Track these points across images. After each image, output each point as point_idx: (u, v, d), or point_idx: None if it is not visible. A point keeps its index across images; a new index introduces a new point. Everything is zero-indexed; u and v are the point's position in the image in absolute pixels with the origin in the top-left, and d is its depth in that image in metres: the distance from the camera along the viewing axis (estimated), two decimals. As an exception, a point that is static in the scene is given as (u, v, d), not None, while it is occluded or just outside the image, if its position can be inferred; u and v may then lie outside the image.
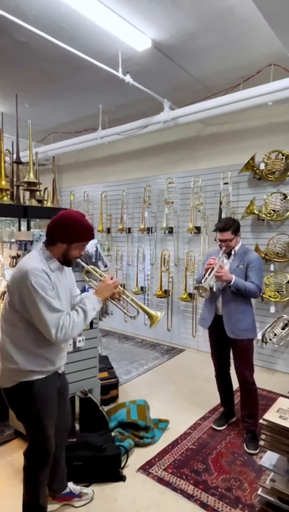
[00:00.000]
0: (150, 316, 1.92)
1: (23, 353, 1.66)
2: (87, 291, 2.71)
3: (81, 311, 1.71)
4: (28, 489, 1.81)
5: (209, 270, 2.50)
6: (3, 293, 2.87)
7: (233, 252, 2.67)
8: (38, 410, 1.70)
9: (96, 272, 1.94)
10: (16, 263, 2.79)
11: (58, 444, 1.93)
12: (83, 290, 2.71)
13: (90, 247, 2.86)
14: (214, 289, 2.60)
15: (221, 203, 4.30)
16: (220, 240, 2.63)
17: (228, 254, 2.68)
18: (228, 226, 2.57)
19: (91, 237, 1.75)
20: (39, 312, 1.58)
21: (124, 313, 1.93)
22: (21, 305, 1.63)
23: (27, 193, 3.20)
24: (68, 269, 1.89)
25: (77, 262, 1.83)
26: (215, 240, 2.78)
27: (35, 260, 1.66)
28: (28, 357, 1.66)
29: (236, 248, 2.68)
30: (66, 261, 1.75)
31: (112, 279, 1.85)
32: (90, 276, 2.00)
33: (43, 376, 1.71)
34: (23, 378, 1.67)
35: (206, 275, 2.50)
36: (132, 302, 1.93)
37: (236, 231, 2.62)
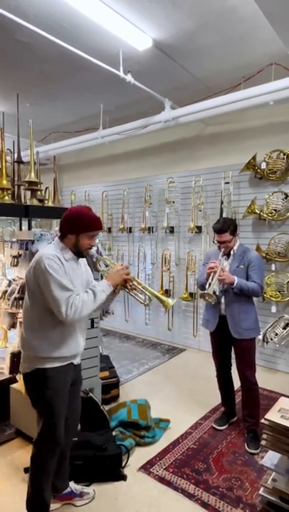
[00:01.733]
0: (162, 302, 1.99)
1: (39, 337, 1.78)
2: None
3: (91, 292, 1.80)
4: (34, 479, 1.84)
5: (212, 275, 2.50)
6: (5, 292, 2.87)
7: (232, 253, 2.67)
8: (50, 397, 1.79)
9: (105, 260, 2.06)
10: (18, 262, 2.80)
11: (66, 440, 1.97)
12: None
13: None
14: (217, 293, 2.58)
15: (222, 203, 4.30)
16: (218, 242, 2.63)
17: (227, 255, 2.68)
18: (226, 227, 2.56)
19: (97, 227, 1.88)
20: (51, 291, 1.69)
21: (138, 300, 1.99)
22: (37, 288, 1.75)
23: (28, 193, 3.20)
24: (84, 263, 2.01)
25: (90, 253, 1.93)
26: (213, 241, 2.77)
27: (51, 249, 1.83)
28: (45, 342, 1.77)
29: (235, 248, 2.67)
30: (78, 252, 1.87)
31: (121, 265, 1.95)
32: (106, 268, 2.09)
33: (58, 365, 1.80)
34: (40, 365, 1.78)
35: (209, 280, 2.50)
36: (144, 289, 1.99)
37: (234, 232, 2.61)
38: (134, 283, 1.97)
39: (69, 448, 2.07)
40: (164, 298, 2.00)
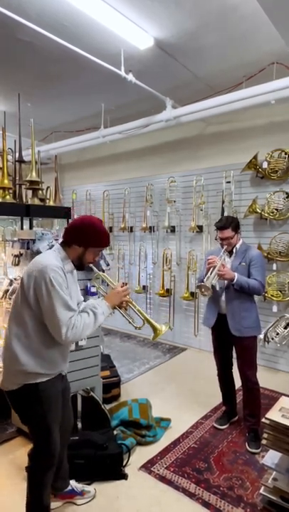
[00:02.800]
0: (154, 329, 1.89)
1: (30, 354, 1.65)
2: (89, 290, 2.71)
3: (92, 314, 1.71)
4: (32, 490, 1.81)
5: (211, 269, 2.50)
6: (6, 291, 2.88)
7: (234, 250, 2.67)
8: (44, 412, 1.70)
9: (106, 278, 1.96)
10: (19, 261, 2.79)
11: (61, 444, 1.93)
12: (85, 289, 2.72)
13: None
14: (217, 288, 2.59)
15: (223, 202, 4.29)
16: (221, 239, 2.63)
17: (230, 253, 2.68)
18: (228, 224, 2.57)
19: (107, 243, 1.80)
20: (53, 308, 1.58)
21: (130, 322, 1.90)
22: (35, 301, 1.63)
23: (29, 192, 3.20)
24: (76, 276, 1.91)
25: (90, 267, 1.84)
26: (216, 239, 2.77)
27: (53, 257, 1.69)
28: (35, 359, 1.66)
29: (237, 246, 2.67)
30: (80, 264, 1.78)
31: (122, 286, 1.84)
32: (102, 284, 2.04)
33: (48, 378, 1.71)
34: (29, 381, 1.66)
35: (208, 274, 2.50)
36: (138, 313, 1.90)
37: (236, 228, 2.62)
38: (131, 305, 1.88)
39: (65, 451, 2.05)
40: (157, 325, 1.89)
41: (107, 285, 1.97)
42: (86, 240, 1.72)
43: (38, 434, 1.75)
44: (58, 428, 1.79)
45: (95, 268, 1.88)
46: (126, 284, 1.89)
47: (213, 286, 2.48)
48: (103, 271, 3.06)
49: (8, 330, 1.72)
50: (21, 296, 1.67)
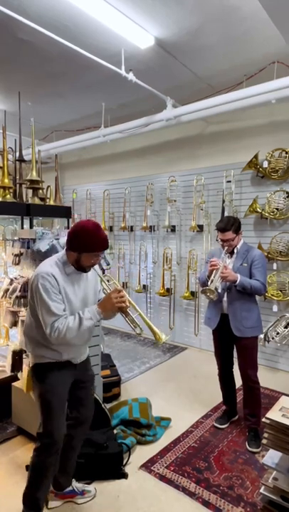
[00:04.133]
0: (155, 335, 1.88)
1: (35, 342, 1.85)
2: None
3: (77, 318, 1.76)
4: (31, 473, 1.86)
5: (214, 272, 2.49)
6: (6, 291, 2.88)
7: (235, 251, 2.67)
8: (44, 392, 1.83)
9: (109, 281, 1.99)
10: (19, 261, 2.80)
11: (76, 435, 2.03)
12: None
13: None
14: (219, 290, 2.58)
15: (223, 202, 4.29)
16: (222, 240, 2.62)
17: (231, 253, 2.67)
18: (230, 226, 2.56)
19: (102, 248, 1.83)
20: (40, 312, 1.76)
21: (132, 327, 1.89)
22: (32, 303, 1.81)
23: (30, 191, 3.20)
24: (92, 272, 1.95)
25: (94, 269, 1.93)
26: (217, 240, 2.77)
27: (48, 264, 1.82)
28: (38, 346, 1.84)
29: (238, 246, 2.67)
30: (79, 267, 1.85)
31: (119, 292, 1.82)
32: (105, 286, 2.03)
33: (53, 361, 1.84)
34: (37, 360, 1.86)
35: (212, 277, 2.49)
36: (140, 317, 1.92)
37: (237, 230, 2.61)
38: (131, 309, 1.88)
39: (79, 444, 2.09)
40: (158, 331, 1.88)
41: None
42: (78, 246, 1.78)
43: (41, 411, 1.86)
44: (61, 416, 1.87)
45: (96, 270, 1.95)
46: (121, 290, 1.85)
47: (216, 289, 2.48)
48: (103, 270, 3.06)
49: (26, 319, 1.95)
50: (29, 295, 1.88)
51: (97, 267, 1.94)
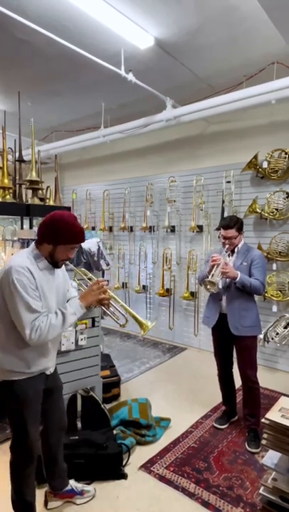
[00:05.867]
0: (140, 325, 1.83)
1: (5, 353, 1.67)
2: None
3: (60, 315, 1.67)
4: (13, 484, 1.83)
5: (215, 267, 2.49)
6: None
7: (236, 250, 2.68)
8: (19, 409, 1.71)
9: (86, 274, 1.91)
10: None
11: (53, 444, 1.96)
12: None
13: (93, 245, 2.86)
14: (220, 286, 2.58)
15: (223, 202, 4.29)
16: (224, 237, 2.63)
17: (231, 252, 2.68)
18: (233, 223, 2.58)
19: (79, 241, 1.71)
20: (17, 310, 1.58)
21: (114, 320, 1.82)
22: (3, 301, 1.62)
23: (29, 192, 3.20)
24: (61, 270, 1.85)
25: (66, 263, 1.79)
26: (218, 237, 2.78)
27: (21, 258, 1.65)
28: (9, 358, 1.67)
29: (239, 246, 2.68)
30: (53, 262, 1.72)
31: (99, 283, 1.76)
32: (82, 281, 1.96)
33: (25, 377, 1.70)
34: (5, 377, 1.68)
35: (213, 271, 2.49)
36: (121, 309, 1.83)
37: (240, 229, 2.62)
38: (112, 301, 1.81)
39: (59, 450, 2.02)
40: (142, 320, 1.83)
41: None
42: (55, 237, 1.64)
43: (14, 428, 1.76)
44: (36, 426, 1.79)
45: (71, 265, 1.83)
46: (106, 281, 1.80)
47: (216, 284, 2.48)
48: (103, 271, 3.06)
49: None
50: None
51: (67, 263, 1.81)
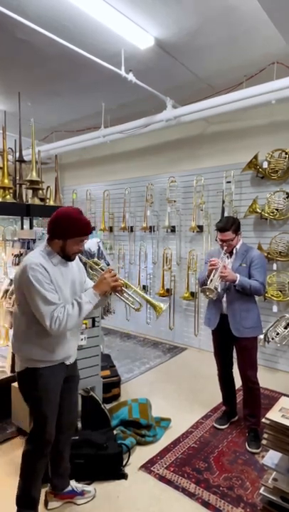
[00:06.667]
0: (154, 307, 1.96)
1: (27, 344, 1.78)
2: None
3: (76, 304, 1.76)
4: (22, 477, 1.86)
5: (213, 271, 2.49)
6: (6, 291, 2.88)
7: (234, 251, 2.66)
8: (39, 396, 1.80)
9: (98, 265, 2.03)
10: (19, 261, 2.80)
11: (62, 440, 1.99)
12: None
13: (93, 245, 2.86)
14: (219, 290, 2.58)
15: (223, 202, 4.29)
16: (221, 240, 2.62)
17: (230, 253, 2.67)
18: (229, 226, 2.56)
19: (86, 232, 1.81)
20: (36, 303, 1.68)
21: (128, 305, 1.94)
22: (23, 299, 1.74)
23: (30, 192, 3.20)
24: (76, 263, 1.96)
25: (79, 256, 1.91)
26: (216, 240, 2.77)
27: (34, 256, 1.76)
28: (31, 347, 1.77)
29: (237, 247, 2.67)
30: (65, 256, 1.82)
31: (110, 272, 1.87)
32: (95, 271, 2.09)
33: (46, 365, 1.79)
34: (29, 365, 1.79)
35: (211, 276, 2.49)
36: (134, 294, 1.95)
37: (237, 230, 2.61)
38: (125, 289, 1.91)
39: (66, 448, 2.06)
40: (155, 302, 1.96)
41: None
42: (63, 232, 1.76)
43: (34, 415, 1.85)
44: (54, 415, 1.85)
45: (83, 257, 1.95)
46: (112, 269, 1.92)
47: (215, 288, 2.48)
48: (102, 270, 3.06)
49: (14, 321, 1.87)
50: (15, 296, 1.82)
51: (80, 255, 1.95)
